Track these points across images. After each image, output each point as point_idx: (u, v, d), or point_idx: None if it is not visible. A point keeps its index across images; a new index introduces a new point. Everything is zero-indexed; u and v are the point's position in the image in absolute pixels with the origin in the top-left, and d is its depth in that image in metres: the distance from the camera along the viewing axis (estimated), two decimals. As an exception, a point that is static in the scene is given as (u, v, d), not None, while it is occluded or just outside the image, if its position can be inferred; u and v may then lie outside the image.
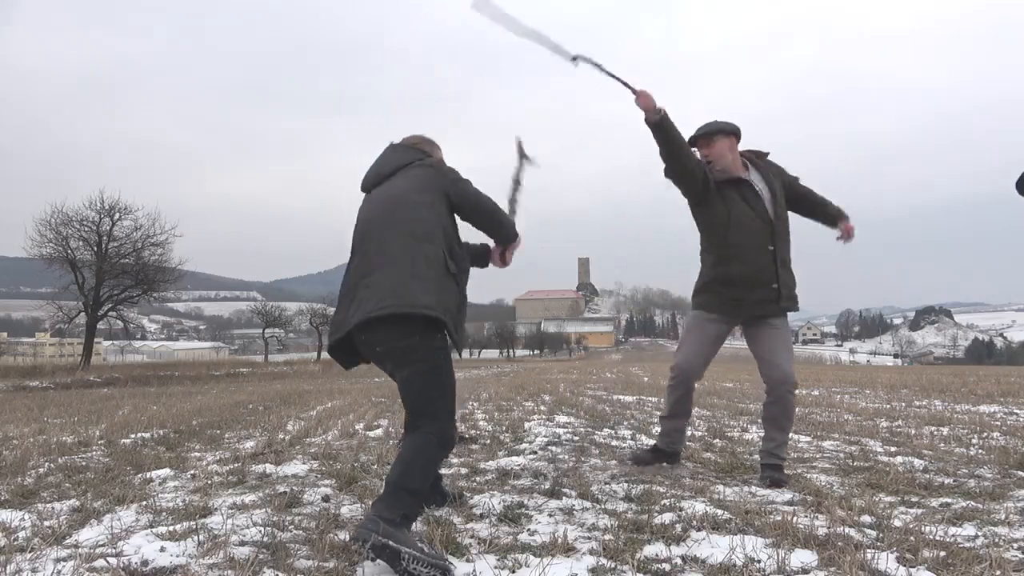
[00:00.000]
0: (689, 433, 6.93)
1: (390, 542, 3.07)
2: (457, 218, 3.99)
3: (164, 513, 4.20)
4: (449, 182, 3.96)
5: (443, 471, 5.56)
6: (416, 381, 3.65)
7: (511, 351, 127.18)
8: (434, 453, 3.65)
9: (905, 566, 3.05)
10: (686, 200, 5.42)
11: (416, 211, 3.86)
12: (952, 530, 3.63)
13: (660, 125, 5.02)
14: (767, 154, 5.55)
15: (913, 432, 7.62)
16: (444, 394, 3.70)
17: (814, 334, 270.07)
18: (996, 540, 3.46)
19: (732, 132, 5.35)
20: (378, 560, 3.12)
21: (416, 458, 3.55)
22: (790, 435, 5.80)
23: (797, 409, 10.39)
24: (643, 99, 4.97)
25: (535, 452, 6.58)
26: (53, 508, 4.37)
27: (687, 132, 5.20)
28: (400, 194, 3.94)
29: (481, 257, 4.38)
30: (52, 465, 6.07)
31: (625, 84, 4.95)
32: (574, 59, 4.79)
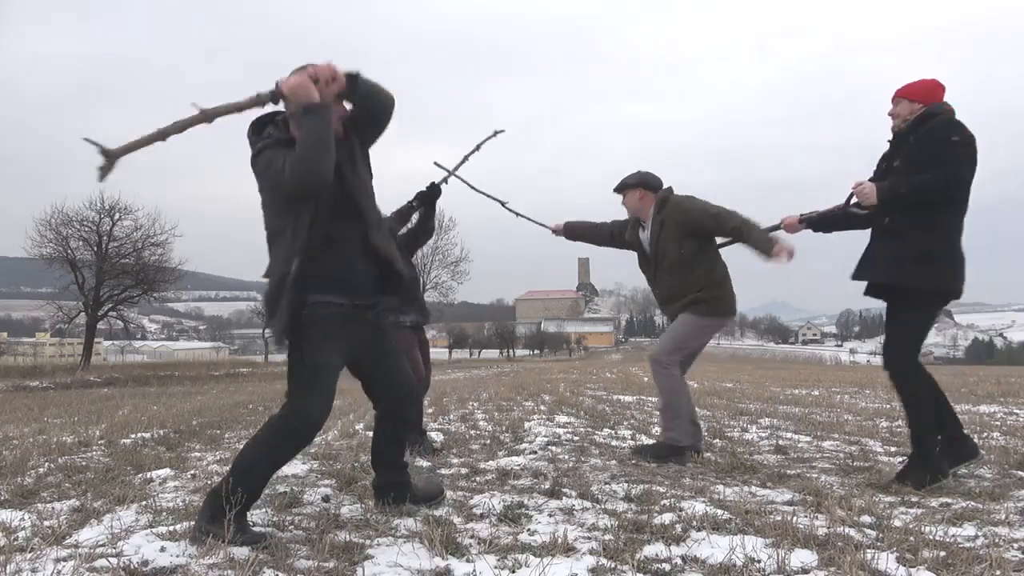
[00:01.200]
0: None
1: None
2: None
3: (164, 513, 4.20)
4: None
5: (444, 471, 5.57)
6: None
7: (511, 351, 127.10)
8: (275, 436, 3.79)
9: (905, 566, 3.05)
10: None
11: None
12: (952, 530, 3.63)
13: (569, 237, 6.94)
14: (667, 196, 6.28)
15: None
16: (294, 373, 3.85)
17: (814, 334, 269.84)
18: (996, 540, 3.45)
19: (638, 185, 6.32)
20: (378, 558, 3.13)
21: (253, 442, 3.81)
22: (673, 418, 6.12)
23: (797, 409, 10.44)
24: (555, 232, 7.01)
25: (535, 452, 6.58)
26: (53, 508, 4.37)
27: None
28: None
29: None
30: (52, 465, 6.07)
31: (538, 223, 5.76)
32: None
